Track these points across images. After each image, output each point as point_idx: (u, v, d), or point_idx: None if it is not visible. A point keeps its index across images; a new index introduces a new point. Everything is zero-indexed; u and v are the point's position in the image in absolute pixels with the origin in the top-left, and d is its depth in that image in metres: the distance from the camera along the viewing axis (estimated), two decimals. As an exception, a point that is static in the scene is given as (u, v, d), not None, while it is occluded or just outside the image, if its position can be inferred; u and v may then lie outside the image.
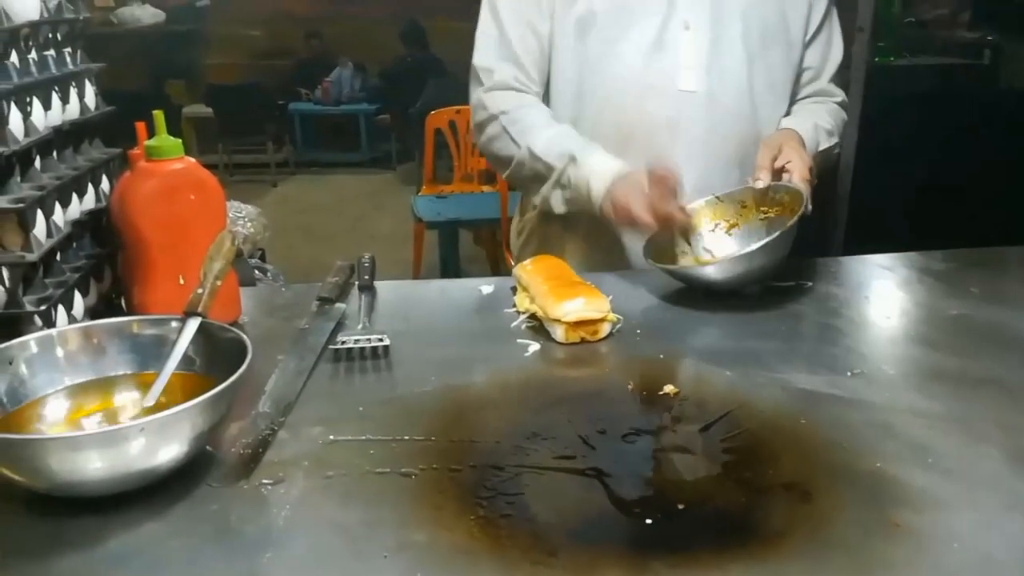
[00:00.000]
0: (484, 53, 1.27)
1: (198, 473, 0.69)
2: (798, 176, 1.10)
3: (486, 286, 1.13)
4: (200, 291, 0.78)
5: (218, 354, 0.74)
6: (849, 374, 0.86)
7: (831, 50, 1.34)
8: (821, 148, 1.27)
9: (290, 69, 6.58)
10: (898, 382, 0.86)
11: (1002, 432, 0.75)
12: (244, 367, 0.69)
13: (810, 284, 1.11)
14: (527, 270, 1.05)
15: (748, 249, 1.04)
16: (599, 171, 1.16)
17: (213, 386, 0.66)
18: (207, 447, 0.71)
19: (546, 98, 1.28)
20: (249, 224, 1.88)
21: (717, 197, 1.18)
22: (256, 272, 1.77)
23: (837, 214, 2.61)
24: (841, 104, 1.37)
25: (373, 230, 4.78)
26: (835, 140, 1.33)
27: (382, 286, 1.12)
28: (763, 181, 1.12)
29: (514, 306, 1.04)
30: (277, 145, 6.47)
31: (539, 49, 1.25)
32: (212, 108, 6.37)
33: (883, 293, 1.15)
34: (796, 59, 1.29)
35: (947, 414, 0.78)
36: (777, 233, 1.01)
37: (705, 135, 1.23)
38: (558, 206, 1.23)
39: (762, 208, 1.15)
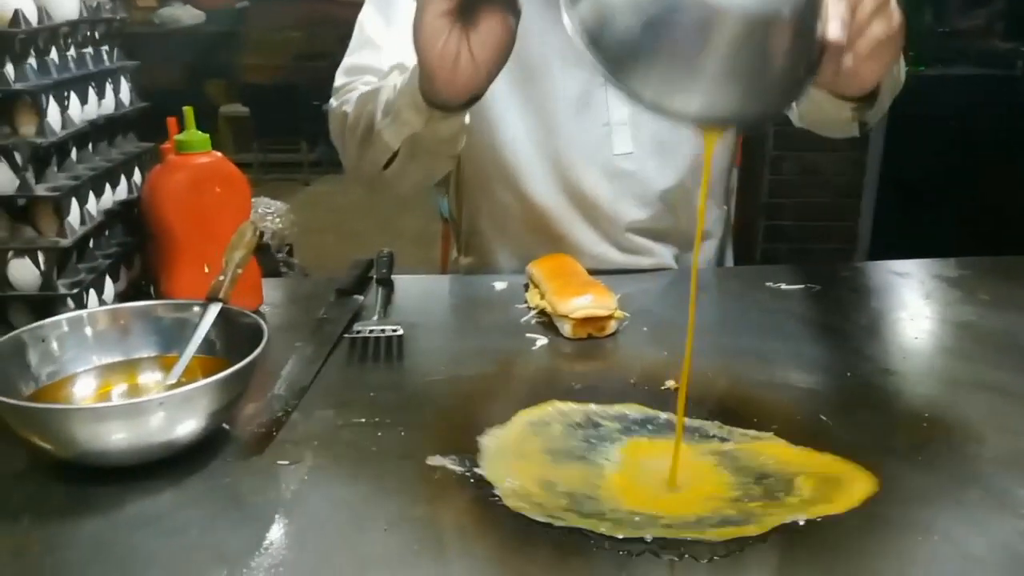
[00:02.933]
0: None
1: (214, 448, 0.73)
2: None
3: (499, 282, 1.16)
4: (221, 278, 0.82)
5: (237, 338, 0.78)
6: (848, 375, 0.88)
7: None
8: None
9: (326, 70, 6.64)
10: (898, 384, 0.88)
11: (997, 435, 0.76)
12: (260, 349, 0.73)
13: (818, 288, 1.13)
14: (538, 267, 1.08)
15: None
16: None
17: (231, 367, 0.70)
18: (224, 425, 0.75)
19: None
20: (278, 220, 1.93)
21: None
22: (282, 266, 1.82)
23: (861, 223, 2.61)
24: None
25: (402, 229, 4.83)
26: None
27: (400, 280, 1.16)
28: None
29: (525, 302, 1.08)
30: (311, 145, 6.57)
31: None
32: (248, 107, 6.49)
33: (893, 298, 1.16)
34: None
35: (944, 415, 0.80)
36: None
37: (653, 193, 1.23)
38: (392, 139, 1.02)
39: None
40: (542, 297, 1.03)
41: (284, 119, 6.46)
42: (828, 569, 0.59)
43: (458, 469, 0.71)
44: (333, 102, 1.17)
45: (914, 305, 1.13)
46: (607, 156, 1.22)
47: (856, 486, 0.68)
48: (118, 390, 0.79)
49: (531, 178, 1.23)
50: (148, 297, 1.03)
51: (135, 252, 1.03)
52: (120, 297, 0.97)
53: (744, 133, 1.22)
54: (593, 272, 1.07)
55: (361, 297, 1.08)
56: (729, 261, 1.44)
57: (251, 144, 6.37)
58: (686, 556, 0.60)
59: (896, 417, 0.80)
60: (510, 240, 1.30)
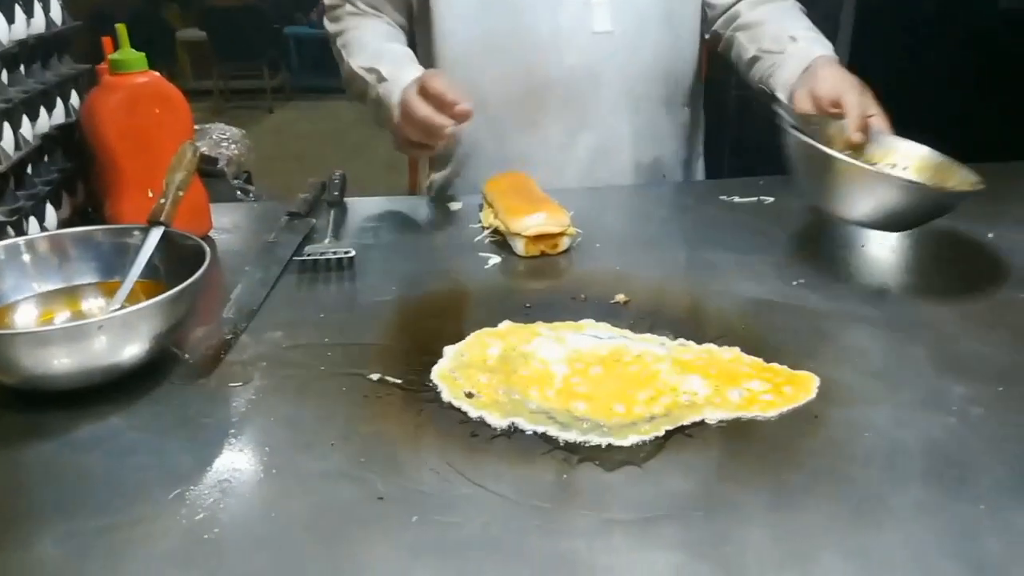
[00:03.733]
0: None
1: (162, 372, 0.73)
2: (885, 127, 1.01)
3: (455, 203, 1.15)
4: (162, 201, 0.80)
5: (181, 262, 0.77)
6: (794, 283, 0.89)
7: None
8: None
9: (287, -8, 6.46)
10: (842, 291, 0.89)
11: (933, 336, 0.78)
12: (202, 270, 0.72)
13: (771, 200, 1.13)
14: (492, 186, 1.08)
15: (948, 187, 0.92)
16: (403, 85, 1.07)
17: (175, 291, 0.69)
18: (172, 348, 0.75)
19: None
20: (233, 146, 1.89)
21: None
22: (239, 193, 1.79)
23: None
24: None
25: (371, 156, 4.76)
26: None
27: (352, 202, 1.15)
28: (860, 135, 0.98)
29: (480, 222, 1.07)
30: (274, 71, 6.40)
31: None
32: (207, 32, 6.29)
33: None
34: None
35: (882, 320, 0.81)
36: (959, 190, 0.91)
37: (626, 80, 1.19)
38: (377, 123, 1.16)
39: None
40: (495, 216, 1.03)
41: (245, 44, 6.27)
42: (763, 460, 0.61)
43: (406, 385, 0.71)
44: (326, 22, 1.29)
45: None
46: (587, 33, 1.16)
47: (797, 388, 0.69)
48: (60, 317, 0.78)
49: (499, 65, 1.18)
50: (94, 224, 1.01)
51: (77, 178, 1.00)
52: (64, 224, 0.95)
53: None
54: (547, 190, 1.07)
55: (312, 220, 1.07)
56: (700, 173, 1.41)
57: (211, 71, 6.19)
58: (621, 457, 0.61)
59: (836, 323, 0.81)
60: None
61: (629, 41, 1.18)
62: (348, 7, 1.26)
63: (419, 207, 1.21)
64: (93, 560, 0.53)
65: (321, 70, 6.59)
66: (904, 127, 1.03)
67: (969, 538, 0.53)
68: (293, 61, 6.65)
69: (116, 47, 0.93)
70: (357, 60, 1.18)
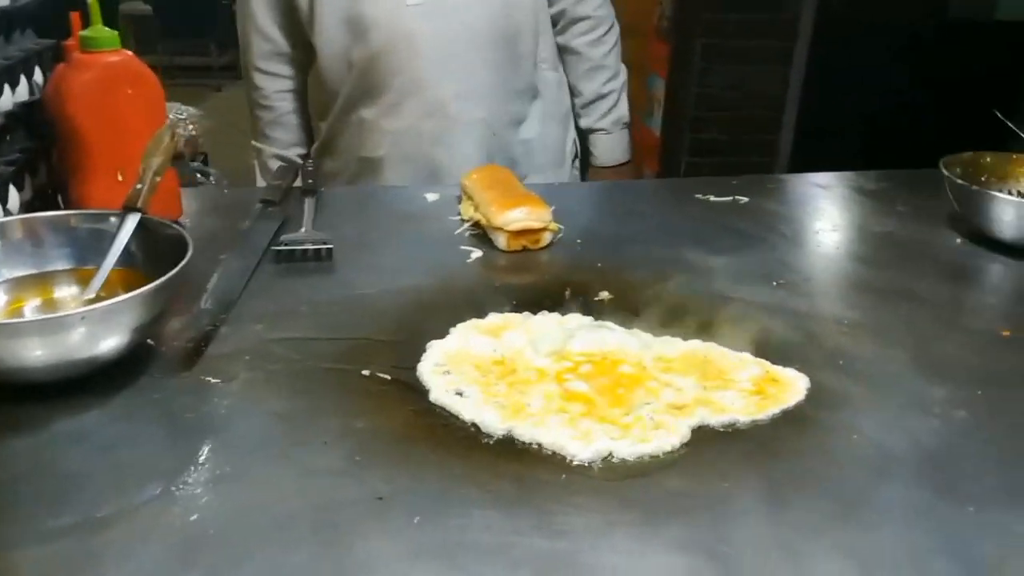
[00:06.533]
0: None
1: (141, 365, 0.71)
2: None
3: (431, 194, 1.14)
4: (139, 186, 0.77)
5: (158, 250, 0.75)
6: (775, 283, 0.90)
7: None
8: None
9: (235, -34, 6.28)
10: (822, 292, 0.91)
11: (913, 339, 0.80)
12: (186, 260, 0.69)
13: (746, 200, 1.14)
14: (472, 179, 1.06)
15: None
16: None
17: (153, 281, 0.66)
18: (149, 341, 0.73)
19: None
20: (191, 126, 1.82)
21: None
22: (198, 175, 1.74)
23: (782, 136, 2.65)
24: (609, 29, 1.43)
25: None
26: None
27: (325, 190, 1.12)
28: None
29: (459, 214, 1.06)
30: (221, 48, 6.23)
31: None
32: (151, 5, 6.08)
33: (817, 210, 1.19)
34: None
35: (863, 322, 0.83)
36: None
37: (451, 45, 1.25)
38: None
39: None
40: (476, 209, 1.02)
41: (191, 19, 6.08)
42: (759, 466, 0.62)
43: (397, 381, 0.70)
44: (253, 95, 1.44)
45: (836, 216, 1.16)
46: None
47: (784, 390, 0.70)
48: (32, 304, 0.75)
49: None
50: (56, 207, 0.97)
51: (39, 159, 0.96)
52: (27, 207, 0.91)
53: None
54: (528, 185, 1.06)
55: (286, 209, 1.04)
56: (553, 138, 1.43)
57: (155, 46, 5.99)
58: (617, 459, 0.61)
59: (819, 324, 0.83)
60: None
61: (438, 9, 1.24)
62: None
63: (394, 197, 1.19)
64: (75, 562, 0.51)
65: (271, 49, 6.44)
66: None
67: (959, 538, 0.55)
68: (242, 39, 6.49)
69: (86, 23, 0.89)
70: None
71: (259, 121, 1.45)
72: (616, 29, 1.44)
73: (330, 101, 1.33)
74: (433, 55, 1.25)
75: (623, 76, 1.46)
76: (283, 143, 1.43)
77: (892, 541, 0.55)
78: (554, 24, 1.40)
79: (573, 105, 1.45)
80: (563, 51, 1.42)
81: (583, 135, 1.48)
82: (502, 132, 1.33)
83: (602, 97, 1.44)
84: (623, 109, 1.47)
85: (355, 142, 1.33)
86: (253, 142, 1.43)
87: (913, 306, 0.87)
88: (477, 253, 0.97)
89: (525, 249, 0.97)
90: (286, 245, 0.93)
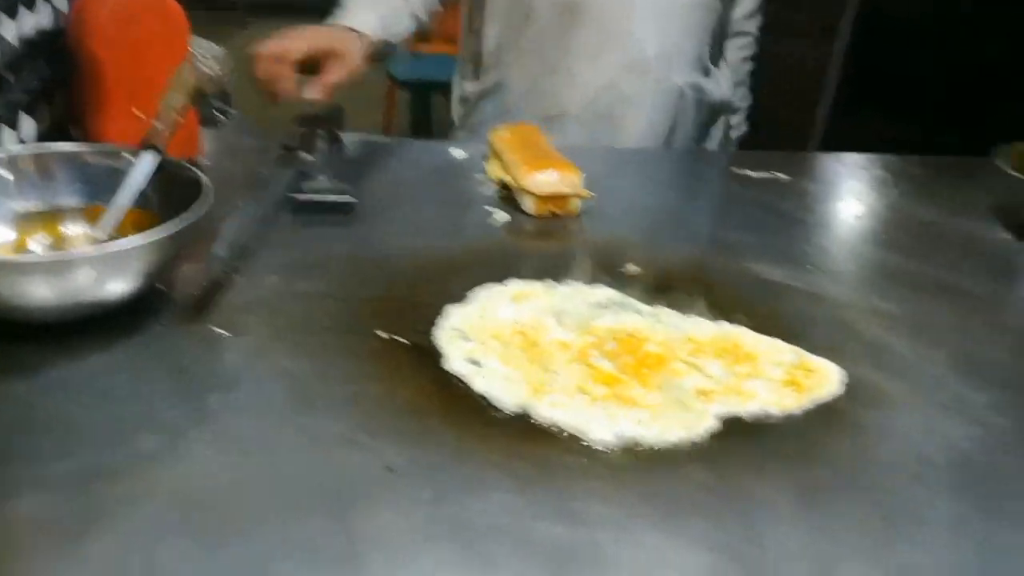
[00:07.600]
0: None
1: (148, 311, 0.68)
2: None
3: (458, 150, 1.10)
4: (159, 125, 0.74)
5: (173, 192, 0.71)
6: (809, 267, 0.86)
7: None
8: None
9: None
10: (859, 280, 0.87)
11: (953, 337, 0.76)
12: (205, 206, 0.66)
13: (787, 179, 1.10)
14: (501, 138, 1.02)
15: None
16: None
17: (166, 223, 0.63)
18: (158, 285, 0.70)
19: None
20: (213, 62, 1.78)
21: None
22: (218, 115, 1.69)
23: (819, 112, 2.57)
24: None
25: (347, 90, 4.61)
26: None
27: (350, 140, 1.09)
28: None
29: (485, 173, 1.02)
30: (249, -15, 6.13)
31: None
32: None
33: (856, 192, 1.15)
34: None
35: (902, 314, 0.79)
36: None
37: (656, 4, 1.19)
38: None
39: None
40: (504, 169, 0.98)
41: (220, -46, 5.98)
42: (791, 464, 0.58)
43: (414, 346, 0.67)
44: None
45: (875, 201, 1.11)
46: None
47: (819, 381, 0.67)
48: (40, 241, 0.72)
49: None
50: (70, 139, 0.94)
51: (58, 89, 0.92)
52: (41, 138, 0.88)
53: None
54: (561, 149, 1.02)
55: (308, 156, 1.00)
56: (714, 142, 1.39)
57: (183, -21, 5.91)
58: (642, 446, 0.58)
59: (856, 314, 0.79)
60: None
61: None
62: None
63: (419, 151, 1.15)
64: (75, 513, 0.49)
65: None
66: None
67: (1000, 560, 0.52)
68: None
69: (110, -52, 0.85)
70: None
71: None
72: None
73: (513, 38, 1.23)
74: (646, 8, 1.18)
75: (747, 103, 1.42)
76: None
77: (929, 559, 0.51)
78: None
79: None
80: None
81: None
82: (685, 108, 1.27)
83: (733, 112, 1.40)
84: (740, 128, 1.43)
85: (540, 90, 1.23)
86: None
87: (955, 302, 0.83)
88: (503, 216, 0.93)
89: (553, 215, 0.94)
90: (306, 196, 0.90)
